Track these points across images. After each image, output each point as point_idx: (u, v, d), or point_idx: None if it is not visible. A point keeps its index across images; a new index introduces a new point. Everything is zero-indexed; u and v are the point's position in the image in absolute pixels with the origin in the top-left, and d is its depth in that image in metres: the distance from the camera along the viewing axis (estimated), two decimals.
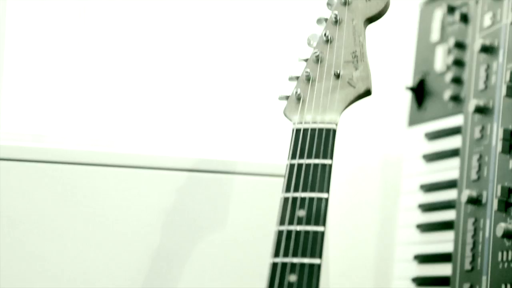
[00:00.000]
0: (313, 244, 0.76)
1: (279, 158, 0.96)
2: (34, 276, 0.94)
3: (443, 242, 1.15)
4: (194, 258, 0.99)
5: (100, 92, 1.23)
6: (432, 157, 1.22)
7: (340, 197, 1.30)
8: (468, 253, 1.01)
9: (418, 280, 1.19)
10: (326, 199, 0.79)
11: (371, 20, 0.88)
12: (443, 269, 1.13)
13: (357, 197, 1.33)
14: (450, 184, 1.16)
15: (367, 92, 0.85)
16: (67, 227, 0.96)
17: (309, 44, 0.88)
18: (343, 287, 1.27)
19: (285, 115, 0.87)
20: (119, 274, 0.97)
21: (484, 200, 1.00)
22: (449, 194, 1.16)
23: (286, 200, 0.80)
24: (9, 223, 0.94)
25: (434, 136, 1.23)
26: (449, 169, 1.17)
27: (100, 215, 0.97)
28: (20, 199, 0.95)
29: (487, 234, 0.98)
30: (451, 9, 1.21)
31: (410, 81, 1.29)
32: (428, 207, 1.21)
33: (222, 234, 1.01)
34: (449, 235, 1.11)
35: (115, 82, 1.24)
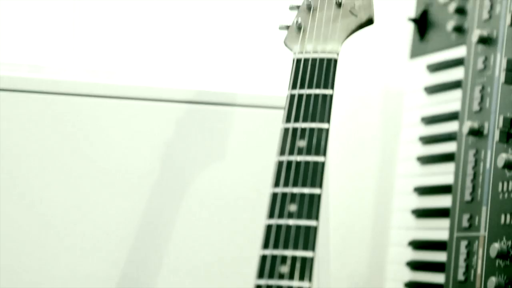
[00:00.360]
0: (313, 174, 0.76)
1: (280, 90, 0.95)
2: (31, 207, 0.95)
3: (444, 174, 1.15)
4: (193, 189, 1.00)
5: (99, 22, 1.22)
6: (434, 89, 1.21)
7: (340, 129, 1.30)
8: (469, 184, 1.01)
9: (418, 212, 1.20)
10: (327, 130, 0.79)
11: None
12: (443, 201, 1.14)
13: (357, 130, 1.33)
14: (452, 116, 1.15)
15: (369, 21, 0.84)
16: (64, 158, 0.96)
17: None
18: (343, 220, 1.28)
19: (286, 45, 0.85)
20: (116, 205, 0.97)
21: (485, 131, 1.00)
22: (451, 126, 1.16)
23: (286, 130, 0.79)
24: (5, 153, 0.94)
25: (436, 68, 1.22)
26: (451, 101, 1.17)
27: (98, 146, 0.97)
28: (17, 129, 0.95)
29: (488, 165, 0.98)
30: None
31: (413, 12, 1.27)
32: (429, 140, 1.21)
33: (221, 166, 1.01)
34: (450, 167, 1.11)
35: (114, 11, 1.23)
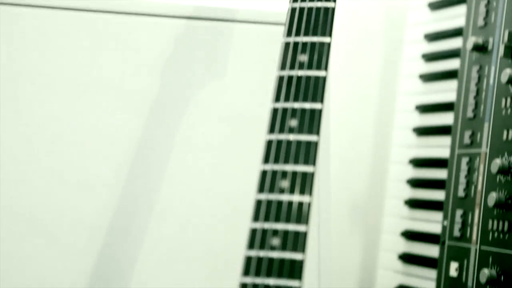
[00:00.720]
0: (314, 89, 0.75)
1: (282, 5, 0.93)
2: (31, 121, 0.94)
3: (446, 91, 1.14)
4: (193, 106, 0.99)
5: None
6: (438, 5, 1.19)
7: (341, 44, 1.28)
8: (471, 101, 1.01)
9: (420, 130, 1.19)
10: (329, 44, 0.77)
11: None
12: (445, 118, 1.13)
13: (359, 45, 1.31)
14: (456, 33, 1.13)
15: None
16: (62, 74, 0.95)
17: None
18: (344, 137, 1.28)
19: None
20: (115, 122, 0.96)
21: (490, 47, 0.98)
22: (454, 43, 1.14)
23: (287, 45, 0.78)
24: (2, 68, 0.93)
25: None
26: (455, 17, 1.15)
27: (96, 62, 0.96)
28: (15, 45, 0.94)
29: (491, 81, 0.97)
30: None
31: None
32: (431, 57, 1.19)
33: (221, 83, 1.00)
34: (452, 84, 1.10)
35: None
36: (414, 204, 1.18)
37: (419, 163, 1.18)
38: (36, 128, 0.94)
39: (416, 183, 1.18)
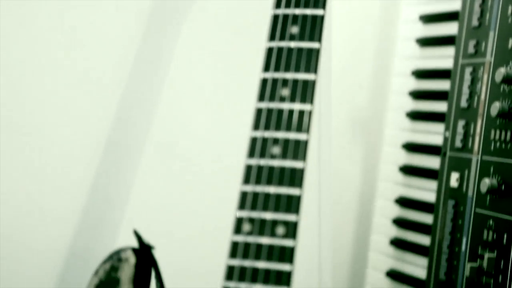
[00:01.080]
0: None
1: None
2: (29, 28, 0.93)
3: (451, 0, 1.12)
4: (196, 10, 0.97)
5: None
6: None
7: None
8: (477, 9, 0.98)
9: (423, 40, 1.17)
10: None
11: None
12: (449, 28, 1.11)
13: None
14: None
15: None
16: None
17: None
18: (345, 41, 1.26)
19: None
20: (115, 24, 0.95)
21: None
22: None
23: None
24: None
25: None
26: None
27: None
28: None
29: None
30: None
31: None
32: None
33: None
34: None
35: None
36: (416, 115, 1.17)
37: (421, 74, 1.17)
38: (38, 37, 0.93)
39: (418, 95, 1.17)
